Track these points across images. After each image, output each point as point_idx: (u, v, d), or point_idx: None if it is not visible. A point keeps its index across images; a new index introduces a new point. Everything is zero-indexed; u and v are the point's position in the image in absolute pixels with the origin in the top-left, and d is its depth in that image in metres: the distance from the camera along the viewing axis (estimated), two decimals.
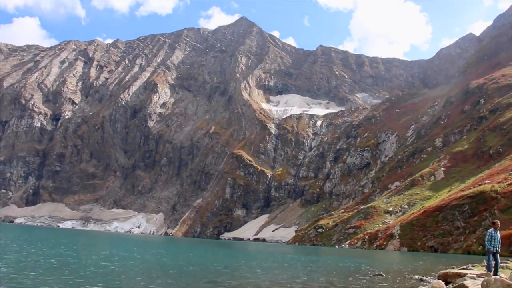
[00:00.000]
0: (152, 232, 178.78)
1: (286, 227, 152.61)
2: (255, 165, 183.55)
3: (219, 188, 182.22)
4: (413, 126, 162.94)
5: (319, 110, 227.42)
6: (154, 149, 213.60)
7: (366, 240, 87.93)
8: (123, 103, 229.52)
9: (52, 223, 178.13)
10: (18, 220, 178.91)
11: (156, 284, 15.29)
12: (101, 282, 14.04)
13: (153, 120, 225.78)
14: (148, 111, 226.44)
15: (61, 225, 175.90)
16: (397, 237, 79.46)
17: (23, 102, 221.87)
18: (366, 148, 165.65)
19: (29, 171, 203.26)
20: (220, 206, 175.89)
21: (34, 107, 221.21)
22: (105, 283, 14.08)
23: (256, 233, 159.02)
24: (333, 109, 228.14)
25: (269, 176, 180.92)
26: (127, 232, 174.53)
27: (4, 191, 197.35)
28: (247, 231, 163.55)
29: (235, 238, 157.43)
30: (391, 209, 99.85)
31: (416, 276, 20.94)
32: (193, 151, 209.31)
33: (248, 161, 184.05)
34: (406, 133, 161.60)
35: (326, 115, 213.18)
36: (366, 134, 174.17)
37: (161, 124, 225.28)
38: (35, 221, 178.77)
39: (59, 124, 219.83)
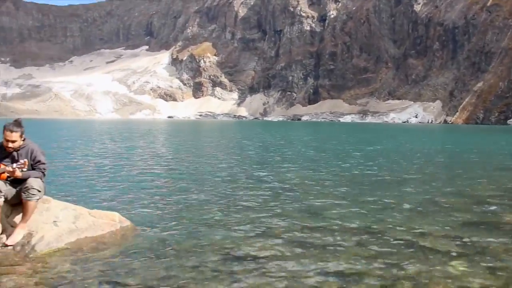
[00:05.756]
0: (430, 121, 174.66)
1: None
2: None
3: (503, 68, 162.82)
4: None
5: None
6: (424, 34, 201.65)
7: None
8: None
9: (333, 118, 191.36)
10: (304, 118, 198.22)
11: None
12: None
13: (419, 4, 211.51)
14: None
15: (341, 120, 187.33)
16: None
17: (291, 9, 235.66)
18: None
19: (306, 72, 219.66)
20: (505, 88, 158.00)
21: (301, 12, 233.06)
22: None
23: None
24: None
25: None
26: (404, 122, 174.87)
27: (290, 93, 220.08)
28: None
29: None
30: None
31: None
32: (468, 30, 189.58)
33: None
34: None
35: None
36: None
37: (428, 6, 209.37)
38: (318, 118, 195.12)
39: (326, 25, 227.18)
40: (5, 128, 6.00)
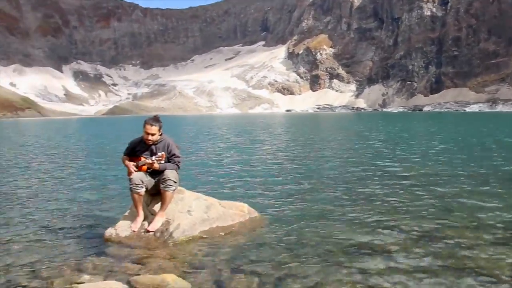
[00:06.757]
0: None
1: None
2: None
3: None
4: None
5: None
6: None
7: None
8: None
9: (457, 108, 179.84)
10: (425, 108, 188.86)
11: None
12: None
13: None
14: None
15: (467, 109, 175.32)
16: None
17: None
18: None
19: (427, 60, 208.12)
20: None
21: None
22: None
23: None
24: None
25: None
26: None
27: (410, 82, 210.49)
28: None
29: None
30: None
31: None
32: None
33: None
34: None
35: None
36: None
37: None
38: (441, 108, 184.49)
39: (448, 8, 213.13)
40: (145, 122, 6.61)
